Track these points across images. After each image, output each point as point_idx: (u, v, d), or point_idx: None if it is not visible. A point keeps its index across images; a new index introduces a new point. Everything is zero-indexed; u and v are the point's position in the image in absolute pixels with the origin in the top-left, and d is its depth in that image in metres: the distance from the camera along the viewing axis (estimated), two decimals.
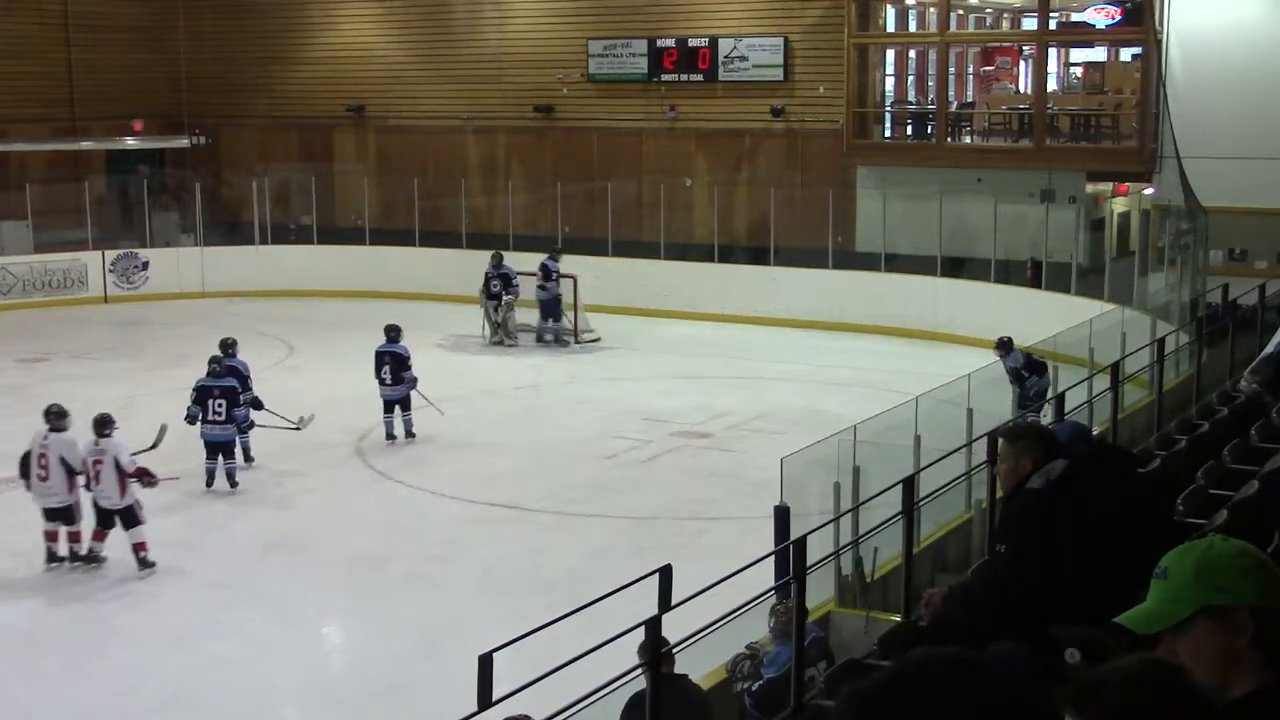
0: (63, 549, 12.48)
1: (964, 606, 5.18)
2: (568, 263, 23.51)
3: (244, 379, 15.53)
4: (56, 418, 12.46)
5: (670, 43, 26.17)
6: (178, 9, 31.04)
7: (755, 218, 25.31)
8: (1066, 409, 11.70)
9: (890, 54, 26.77)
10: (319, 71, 29.99)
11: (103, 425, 12.40)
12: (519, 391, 19.56)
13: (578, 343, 22.61)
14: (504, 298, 22.31)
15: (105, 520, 12.43)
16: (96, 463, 12.29)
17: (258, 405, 15.53)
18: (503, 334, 22.31)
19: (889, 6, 26.41)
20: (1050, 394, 13.67)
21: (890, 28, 26.76)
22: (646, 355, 21.82)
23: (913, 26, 27.58)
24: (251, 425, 15.42)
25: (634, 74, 26.62)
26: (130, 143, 30.24)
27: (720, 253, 25.21)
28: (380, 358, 16.51)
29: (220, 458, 14.75)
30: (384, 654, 10.62)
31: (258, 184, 27.78)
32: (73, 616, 11.32)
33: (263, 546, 13.14)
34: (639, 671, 6.56)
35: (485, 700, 5.59)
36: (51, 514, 12.44)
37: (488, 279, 22.44)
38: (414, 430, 16.60)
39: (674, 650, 6.93)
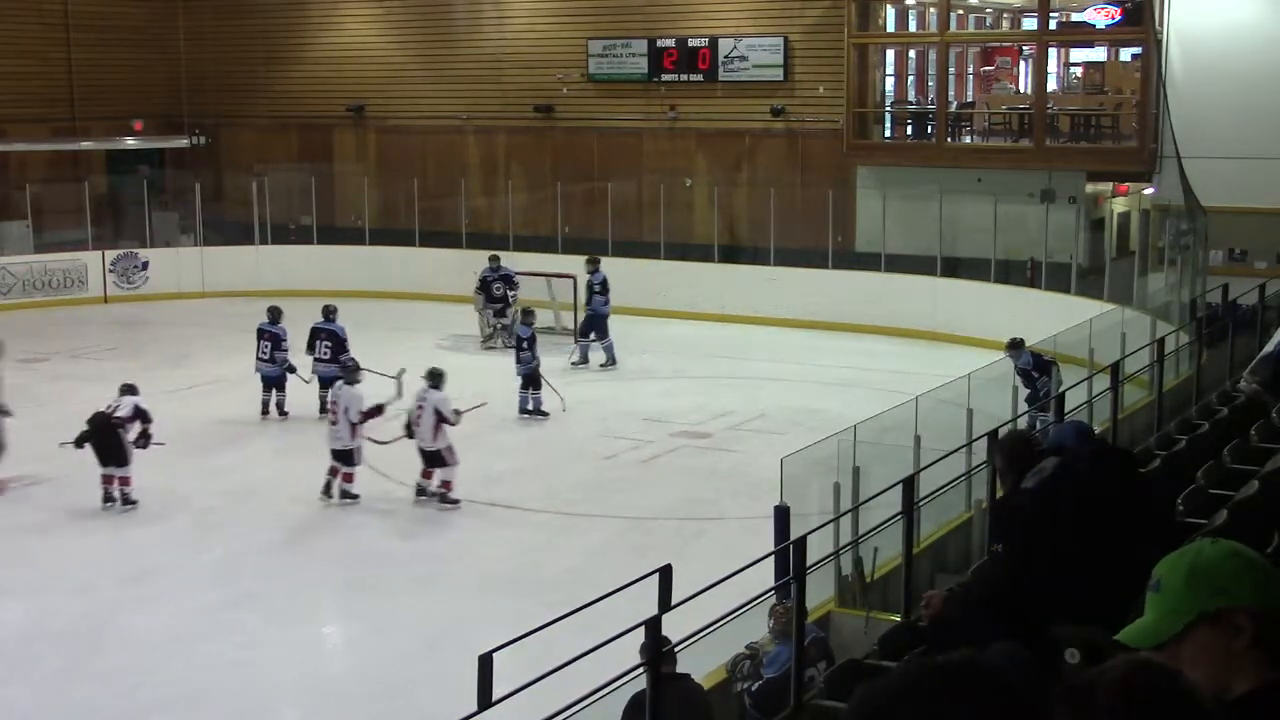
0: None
1: (963, 606, 5.18)
2: (567, 263, 23.51)
3: (342, 341, 17.66)
4: (434, 377, 14.39)
5: (670, 43, 26.16)
6: (178, 9, 31.04)
7: (755, 218, 25.30)
8: (1066, 409, 11.71)
9: (890, 54, 26.76)
10: (319, 71, 29.98)
11: (434, 378, 14.36)
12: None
13: (578, 343, 22.57)
14: (509, 295, 22.17)
15: (428, 461, 14.20)
16: (419, 409, 14.11)
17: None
18: (503, 337, 22.07)
19: (889, 6, 26.40)
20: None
21: (890, 28, 26.75)
22: (646, 355, 21.80)
23: (913, 26, 27.58)
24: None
25: (634, 74, 26.62)
26: (130, 143, 30.23)
27: (720, 253, 25.22)
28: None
29: (273, 391, 17.73)
30: (384, 654, 10.62)
31: (258, 184, 27.78)
32: (73, 616, 11.32)
33: (263, 546, 13.13)
34: (639, 671, 6.56)
35: (485, 700, 5.60)
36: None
37: (487, 282, 22.34)
38: (543, 409, 17.76)
39: (674, 650, 6.94)
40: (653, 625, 6.32)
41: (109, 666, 10.49)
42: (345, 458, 14.22)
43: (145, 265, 27.05)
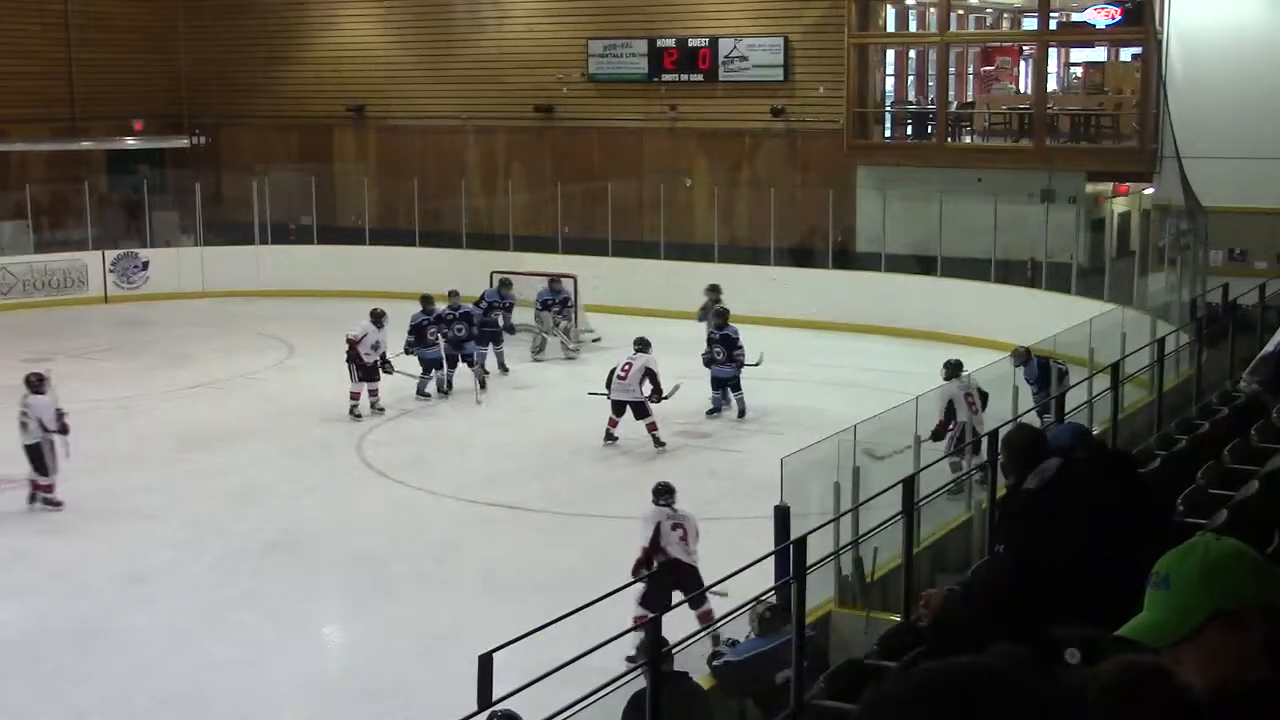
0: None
1: (963, 606, 5.18)
2: (568, 262, 23.48)
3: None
4: (643, 344, 16.64)
5: (670, 43, 26.16)
6: (178, 9, 31.03)
7: (755, 218, 25.29)
8: (1067, 409, 11.70)
9: (890, 54, 26.75)
10: (319, 71, 29.97)
11: (643, 344, 16.62)
12: (519, 391, 19.56)
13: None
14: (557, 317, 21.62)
15: (638, 412, 16.21)
16: (626, 367, 16.21)
17: (511, 329, 20.44)
18: (562, 339, 21.68)
19: (889, 6, 26.40)
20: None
21: (890, 28, 26.74)
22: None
23: (913, 26, 27.58)
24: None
25: (634, 74, 26.61)
26: (130, 143, 30.22)
27: (720, 253, 25.20)
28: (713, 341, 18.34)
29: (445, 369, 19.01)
30: (384, 654, 10.62)
31: (258, 184, 27.77)
32: (73, 616, 11.32)
33: (263, 546, 13.13)
34: (639, 671, 6.57)
35: (485, 700, 5.60)
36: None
37: (545, 303, 21.58)
38: (745, 409, 17.80)
39: (674, 650, 6.94)
40: (653, 625, 6.32)
41: (109, 666, 10.49)
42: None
43: (145, 265, 27.03)
